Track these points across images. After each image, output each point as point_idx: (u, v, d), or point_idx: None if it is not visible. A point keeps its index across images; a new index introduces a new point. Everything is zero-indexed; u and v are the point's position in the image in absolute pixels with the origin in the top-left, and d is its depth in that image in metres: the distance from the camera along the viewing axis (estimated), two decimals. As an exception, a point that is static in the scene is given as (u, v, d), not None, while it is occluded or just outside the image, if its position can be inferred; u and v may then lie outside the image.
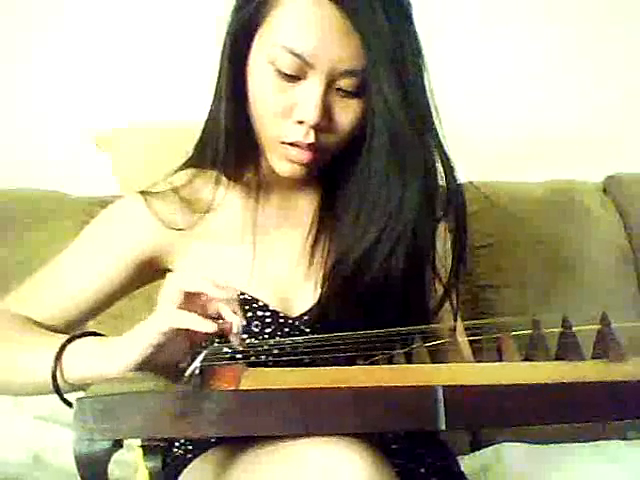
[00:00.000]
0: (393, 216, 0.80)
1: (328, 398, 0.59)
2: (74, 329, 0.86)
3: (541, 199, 1.58)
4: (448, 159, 0.83)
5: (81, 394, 0.69)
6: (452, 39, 1.68)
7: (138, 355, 0.68)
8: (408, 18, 0.80)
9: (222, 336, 0.69)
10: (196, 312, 0.67)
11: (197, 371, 0.63)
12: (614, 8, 1.81)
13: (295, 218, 0.90)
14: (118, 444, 0.60)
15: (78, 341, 0.76)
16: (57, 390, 0.75)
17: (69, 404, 0.75)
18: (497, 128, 1.72)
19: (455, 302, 0.89)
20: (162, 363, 0.70)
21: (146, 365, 0.68)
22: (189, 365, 0.67)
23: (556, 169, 1.65)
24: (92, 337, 0.77)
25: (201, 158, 0.90)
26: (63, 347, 0.75)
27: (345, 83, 0.78)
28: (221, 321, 0.68)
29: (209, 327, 0.65)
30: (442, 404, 0.58)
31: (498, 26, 1.77)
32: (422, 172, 0.80)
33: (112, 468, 0.62)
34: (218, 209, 0.87)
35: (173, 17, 1.60)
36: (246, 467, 0.66)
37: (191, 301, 0.68)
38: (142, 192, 0.87)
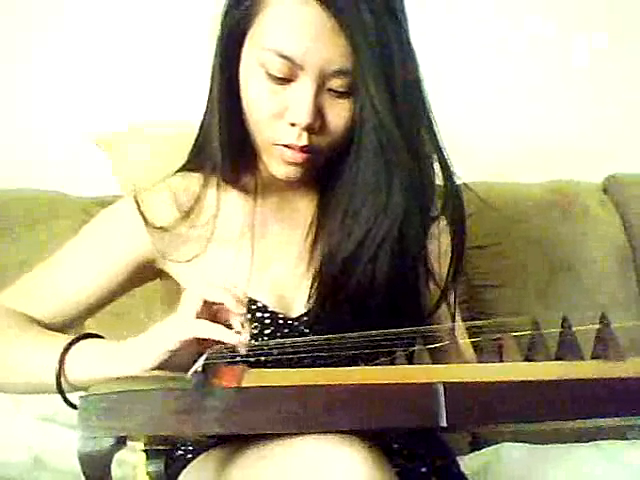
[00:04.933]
0: (379, 216, 0.80)
1: (330, 395, 0.59)
2: (71, 327, 0.87)
3: (541, 199, 1.58)
4: (444, 158, 0.83)
5: (83, 393, 0.69)
6: (453, 42, 1.69)
7: (155, 360, 0.69)
8: (396, 15, 0.79)
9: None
10: (206, 319, 0.68)
11: (200, 369, 0.63)
12: (614, 10, 1.81)
13: (294, 219, 0.90)
14: (121, 442, 0.61)
15: (82, 343, 0.76)
16: (60, 391, 0.75)
17: (72, 405, 0.75)
18: (498, 128, 1.73)
19: (452, 303, 0.89)
20: (172, 367, 0.70)
21: (157, 369, 0.69)
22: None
23: (556, 169, 1.65)
24: (96, 339, 0.77)
25: (198, 162, 0.90)
26: (67, 349, 0.75)
27: (336, 83, 0.78)
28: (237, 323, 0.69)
29: (234, 339, 0.67)
30: (443, 401, 0.58)
31: (500, 31, 1.77)
32: (410, 172, 0.80)
33: (114, 468, 0.62)
34: (216, 212, 0.87)
35: (173, 17, 1.60)
36: (245, 466, 0.66)
37: (205, 308, 0.69)
38: (139, 208, 0.87)
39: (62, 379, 0.75)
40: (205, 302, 0.68)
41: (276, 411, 0.59)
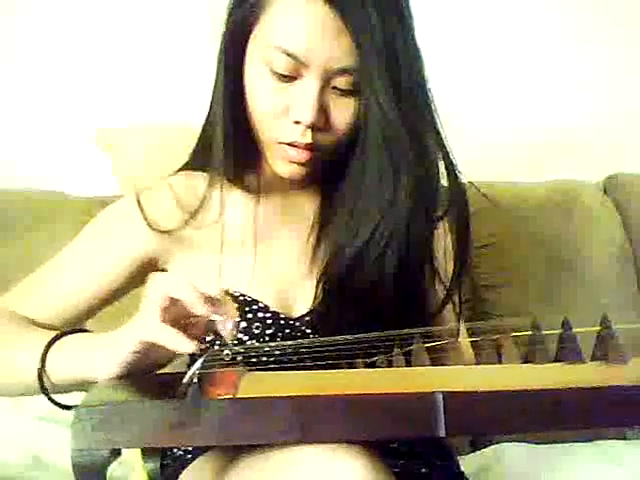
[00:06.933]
0: (385, 214, 0.80)
1: (327, 406, 0.59)
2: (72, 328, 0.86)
3: (542, 199, 1.58)
4: (450, 158, 0.83)
5: (73, 395, 0.68)
6: (456, 44, 1.69)
7: (120, 362, 0.67)
8: (402, 14, 0.78)
9: (217, 333, 0.69)
10: (182, 316, 0.66)
11: (195, 379, 0.62)
12: (614, 9, 1.81)
13: (296, 219, 0.90)
14: (116, 452, 0.60)
15: (64, 339, 0.75)
16: (44, 390, 0.74)
17: (58, 404, 0.74)
18: (499, 128, 1.73)
19: (458, 303, 0.89)
20: (149, 365, 0.69)
21: (132, 368, 0.68)
22: (188, 369, 0.66)
23: (557, 169, 1.66)
24: (79, 335, 0.77)
25: (201, 161, 0.89)
26: (49, 345, 0.74)
27: (340, 82, 0.78)
28: (216, 318, 0.67)
29: (186, 348, 0.64)
30: (442, 411, 0.58)
31: (501, 28, 1.77)
32: (416, 170, 0.80)
33: (113, 467, 0.62)
34: (220, 211, 0.87)
35: (173, 17, 1.60)
36: (244, 470, 0.66)
37: (176, 303, 0.66)
38: (138, 201, 0.87)
39: (45, 377, 0.74)
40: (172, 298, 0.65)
41: (272, 423, 0.58)
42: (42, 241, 1.28)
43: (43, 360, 0.74)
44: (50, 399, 0.75)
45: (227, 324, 0.67)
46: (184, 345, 0.64)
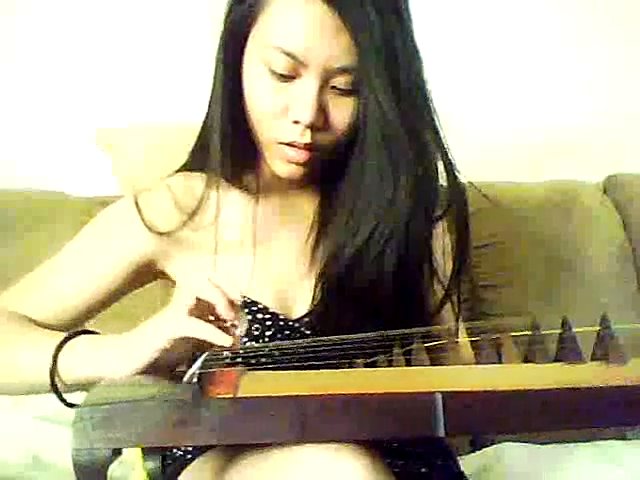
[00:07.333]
0: (385, 213, 0.80)
1: (327, 405, 0.59)
2: (71, 329, 0.86)
3: (542, 199, 1.58)
4: (448, 158, 0.83)
5: (78, 395, 0.68)
6: (455, 43, 1.69)
7: (145, 359, 0.68)
8: (401, 13, 0.78)
9: None
10: (199, 315, 0.68)
11: (195, 378, 0.63)
12: (613, 9, 1.82)
13: (295, 219, 0.90)
14: (117, 451, 0.60)
15: (75, 340, 0.76)
16: (55, 390, 0.75)
17: (69, 404, 0.75)
18: (499, 129, 1.73)
19: (457, 303, 0.89)
20: (165, 365, 0.70)
21: (149, 368, 0.68)
22: (188, 368, 0.66)
23: (557, 169, 1.66)
24: (89, 336, 0.77)
25: (200, 161, 0.89)
26: (60, 346, 0.75)
27: (339, 81, 0.78)
28: (235, 323, 0.69)
29: (226, 341, 0.66)
30: (441, 411, 0.58)
31: (500, 29, 1.77)
32: (415, 169, 0.79)
33: (113, 467, 0.62)
34: (217, 212, 0.87)
35: (173, 17, 1.60)
36: (244, 469, 0.66)
37: (199, 303, 0.68)
38: (136, 203, 0.87)
39: (56, 378, 0.74)
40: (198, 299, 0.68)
41: (272, 422, 0.59)
42: (42, 241, 1.28)
43: (55, 360, 0.74)
44: (61, 399, 0.75)
45: (239, 329, 0.69)
46: (223, 338, 0.66)
